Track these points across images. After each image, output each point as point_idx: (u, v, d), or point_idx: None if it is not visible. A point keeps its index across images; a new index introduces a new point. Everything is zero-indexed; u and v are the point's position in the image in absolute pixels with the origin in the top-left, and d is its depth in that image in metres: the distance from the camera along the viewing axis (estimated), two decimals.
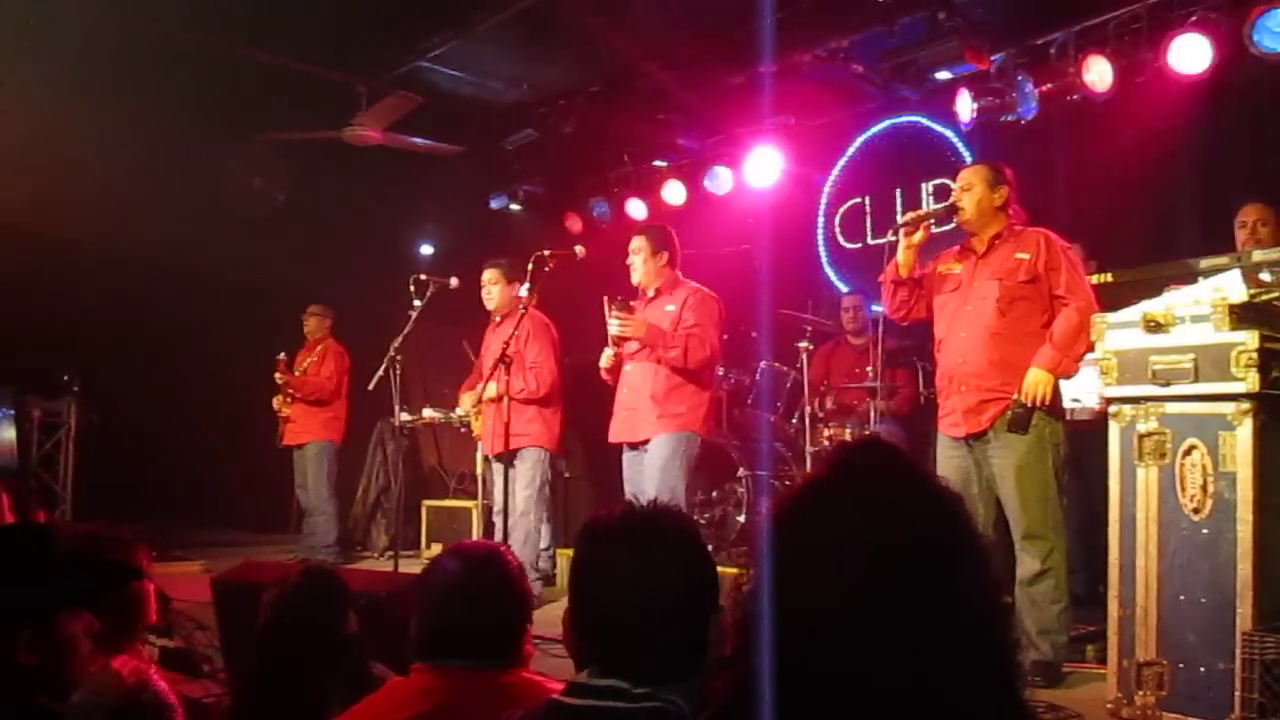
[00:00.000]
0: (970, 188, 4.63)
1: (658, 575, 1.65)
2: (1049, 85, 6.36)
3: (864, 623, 1.14)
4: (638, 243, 5.67)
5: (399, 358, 6.28)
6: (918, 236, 4.70)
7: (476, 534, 7.24)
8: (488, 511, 6.15)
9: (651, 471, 5.36)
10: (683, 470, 5.43)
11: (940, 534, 1.19)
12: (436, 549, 7.65)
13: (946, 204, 4.72)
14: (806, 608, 1.16)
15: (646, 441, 5.46)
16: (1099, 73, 6.12)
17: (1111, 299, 4.33)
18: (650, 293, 5.66)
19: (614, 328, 5.43)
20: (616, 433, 5.63)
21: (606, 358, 5.61)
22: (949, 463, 4.57)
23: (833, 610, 1.15)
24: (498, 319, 6.41)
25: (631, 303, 5.54)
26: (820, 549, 1.18)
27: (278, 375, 7.95)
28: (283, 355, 7.98)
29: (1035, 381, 4.35)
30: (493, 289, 6.36)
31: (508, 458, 6.00)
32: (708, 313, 5.56)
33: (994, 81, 6.56)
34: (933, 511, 1.21)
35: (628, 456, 5.60)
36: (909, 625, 1.13)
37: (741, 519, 6.80)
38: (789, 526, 1.22)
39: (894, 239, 4.76)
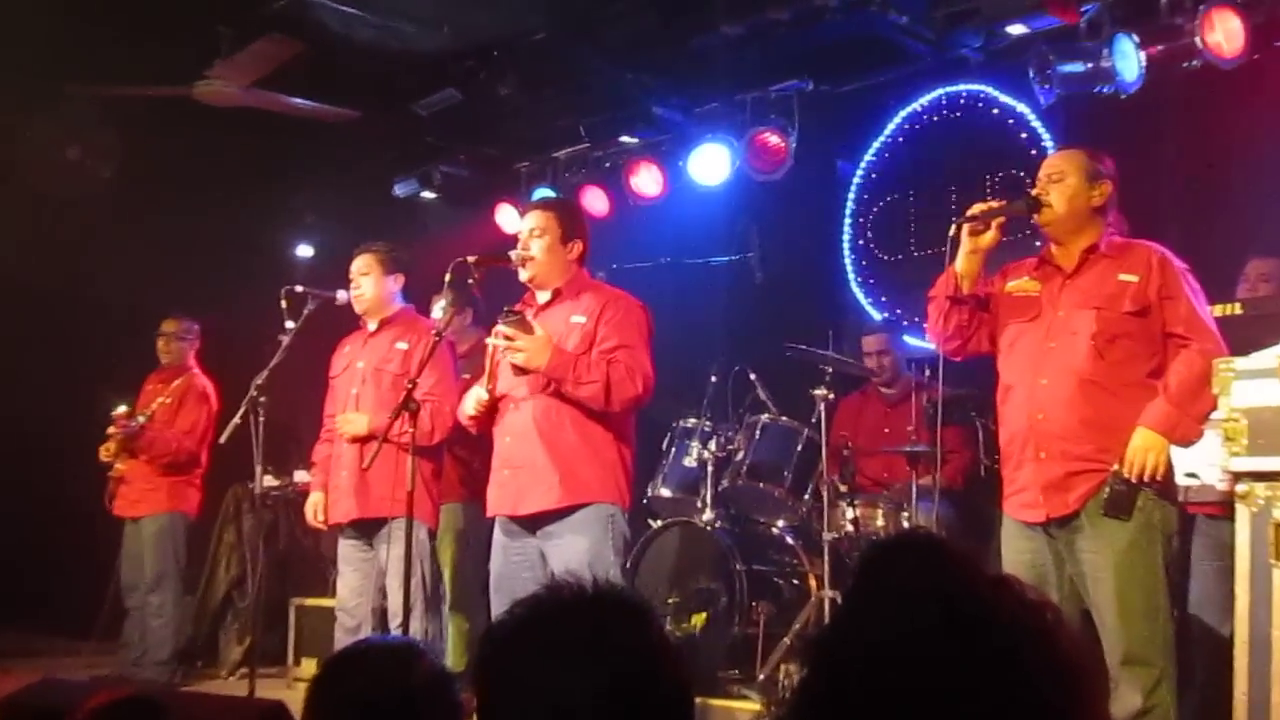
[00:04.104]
0: (1061, 178, 4.63)
1: (592, 693, 1.63)
2: (1158, 48, 6.41)
3: None
4: (538, 220, 5.38)
5: (263, 399, 6.21)
6: (987, 238, 4.70)
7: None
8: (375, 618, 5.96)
9: (570, 570, 4.81)
10: (617, 565, 5.20)
11: (1021, 665, 1.16)
12: (310, 665, 7.55)
13: (1028, 197, 4.72)
14: None
15: (539, 517, 5.15)
16: (1226, 33, 6.17)
17: (1239, 338, 4.35)
18: (545, 296, 5.38)
19: (496, 340, 5.13)
20: (496, 501, 5.33)
21: (475, 400, 5.33)
22: (1018, 558, 4.57)
23: None
24: (371, 326, 6.26)
25: (529, 316, 5.21)
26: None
27: (112, 430, 7.82)
28: (122, 408, 7.82)
29: (1143, 448, 4.34)
30: (362, 281, 6.20)
31: (372, 529, 5.94)
32: (635, 329, 5.24)
33: (1084, 40, 6.61)
34: (1003, 633, 1.18)
35: (504, 541, 5.31)
36: None
37: (734, 630, 6.75)
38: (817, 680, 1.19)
39: (953, 239, 4.73)
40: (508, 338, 5.06)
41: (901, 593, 1.22)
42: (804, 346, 7.30)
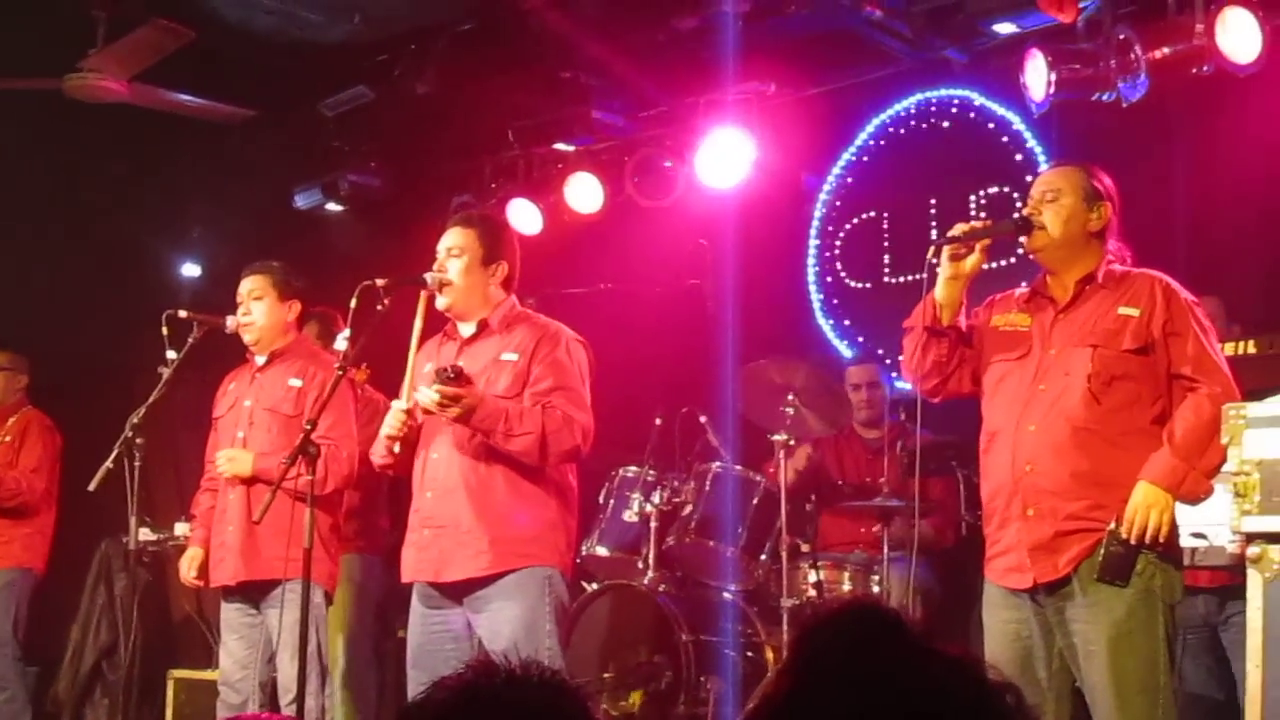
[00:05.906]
0: (1057, 197, 4.66)
1: None
2: (1164, 50, 6.48)
3: None
4: (456, 238, 5.38)
5: (139, 441, 6.16)
6: (970, 262, 4.71)
7: None
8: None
9: (501, 646, 4.93)
10: (554, 635, 5.16)
11: None
12: None
13: (1018, 217, 4.76)
14: None
15: (463, 585, 5.14)
16: (1240, 34, 6.25)
17: (1254, 381, 4.38)
18: (469, 329, 5.40)
19: (427, 398, 5.02)
20: (415, 566, 5.30)
21: (394, 419, 5.22)
22: (1002, 629, 4.58)
23: None
24: (260, 360, 6.25)
25: (459, 363, 5.15)
26: None
27: None
28: None
29: (1144, 505, 4.35)
30: (253, 306, 6.20)
31: (259, 593, 5.93)
32: (574, 368, 5.28)
33: (1082, 41, 6.67)
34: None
35: (423, 610, 5.29)
36: None
37: (679, 710, 6.74)
38: None
39: (934, 263, 4.75)
40: (452, 398, 4.99)
41: (845, 677, 1.22)
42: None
